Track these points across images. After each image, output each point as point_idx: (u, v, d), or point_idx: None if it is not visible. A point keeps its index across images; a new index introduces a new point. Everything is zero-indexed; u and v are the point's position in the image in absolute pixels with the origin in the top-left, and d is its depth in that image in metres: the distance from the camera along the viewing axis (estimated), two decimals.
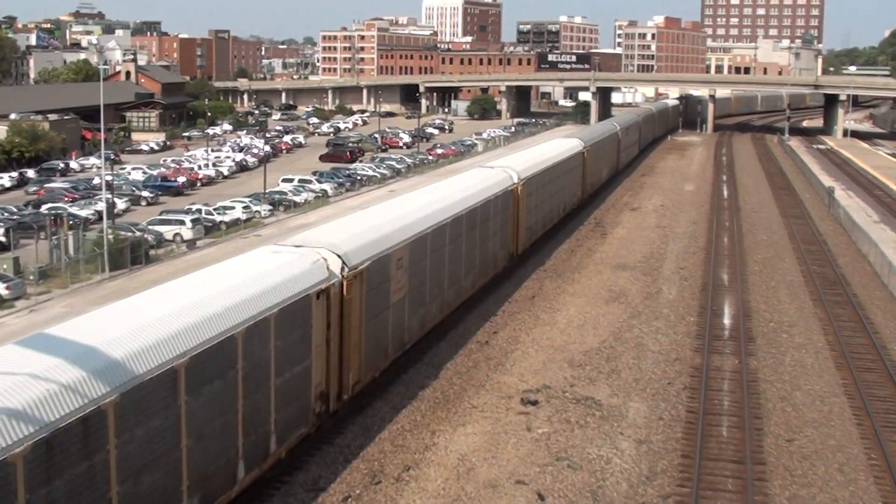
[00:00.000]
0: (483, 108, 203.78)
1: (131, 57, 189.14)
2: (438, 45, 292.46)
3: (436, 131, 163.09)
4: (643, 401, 33.35)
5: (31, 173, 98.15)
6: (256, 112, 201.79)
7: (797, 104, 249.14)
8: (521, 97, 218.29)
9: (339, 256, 29.02)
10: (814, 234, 68.44)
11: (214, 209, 71.25)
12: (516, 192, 50.86)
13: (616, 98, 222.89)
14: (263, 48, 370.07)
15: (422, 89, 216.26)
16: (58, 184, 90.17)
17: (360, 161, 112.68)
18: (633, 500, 25.98)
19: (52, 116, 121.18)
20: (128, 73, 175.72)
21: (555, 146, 68.85)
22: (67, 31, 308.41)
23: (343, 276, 28.73)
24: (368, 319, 30.81)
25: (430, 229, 37.13)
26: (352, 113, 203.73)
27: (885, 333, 42.27)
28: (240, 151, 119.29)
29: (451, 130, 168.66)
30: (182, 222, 64.95)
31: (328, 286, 27.77)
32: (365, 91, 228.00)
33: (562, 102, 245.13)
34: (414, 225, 36.07)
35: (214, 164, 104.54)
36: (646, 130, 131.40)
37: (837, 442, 30.01)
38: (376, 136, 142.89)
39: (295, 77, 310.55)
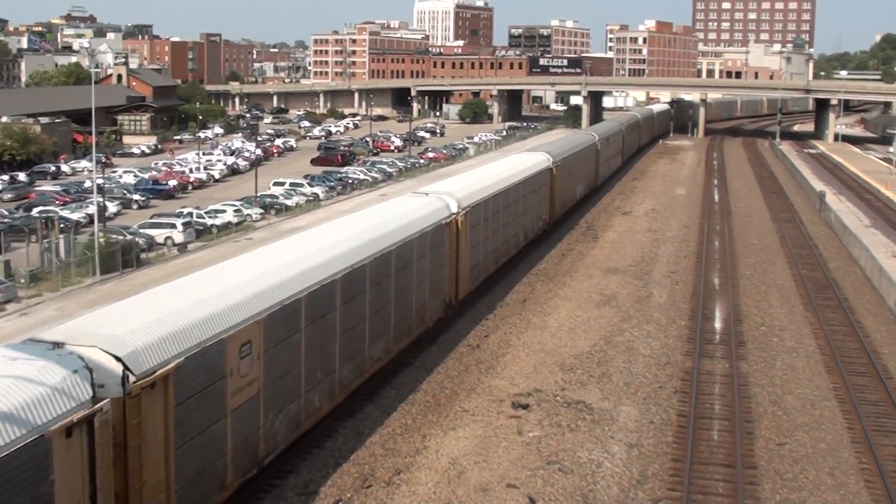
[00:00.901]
0: (475, 112, 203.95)
1: (123, 60, 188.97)
2: (430, 49, 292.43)
3: (427, 135, 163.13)
4: (634, 404, 33.37)
5: (22, 176, 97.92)
6: (248, 115, 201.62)
7: (777, 108, 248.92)
8: (512, 101, 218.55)
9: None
10: (805, 238, 68.56)
11: (206, 213, 71.16)
12: (454, 224, 41.37)
13: (607, 102, 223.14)
14: (255, 52, 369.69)
15: (413, 93, 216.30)
16: (48, 187, 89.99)
17: (353, 165, 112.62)
18: (623, 503, 25.98)
19: (44, 119, 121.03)
20: (119, 77, 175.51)
21: (516, 162, 59.57)
22: (59, 34, 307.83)
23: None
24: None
25: (304, 293, 27.22)
26: (343, 116, 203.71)
27: (876, 337, 42.36)
28: (231, 155, 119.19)
29: (442, 134, 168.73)
30: (173, 226, 64.86)
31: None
32: (356, 95, 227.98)
33: (553, 106, 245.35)
34: (280, 288, 26.11)
35: (206, 168, 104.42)
36: (630, 139, 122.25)
37: (828, 445, 30.06)
38: (368, 139, 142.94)
39: (286, 81, 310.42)
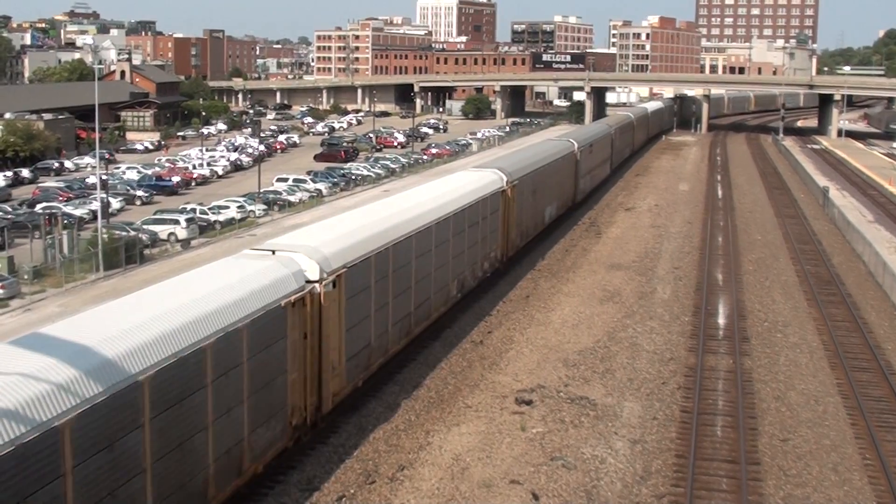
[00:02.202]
0: (478, 108, 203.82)
1: (126, 56, 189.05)
2: (433, 45, 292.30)
3: (430, 131, 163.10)
4: (637, 400, 33.36)
5: (25, 172, 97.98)
6: (251, 112, 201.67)
7: (766, 105, 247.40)
8: (515, 97, 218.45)
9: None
10: (808, 233, 68.50)
11: (209, 209, 71.13)
12: (306, 302, 27.44)
13: (611, 98, 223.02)
14: (258, 48, 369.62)
15: (416, 89, 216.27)
16: (52, 183, 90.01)
17: (356, 161, 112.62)
18: (627, 499, 25.98)
19: (47, 116, 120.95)
20: (122, 73, 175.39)
21: (453, 185, 45.84)
22: (62, 30, 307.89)
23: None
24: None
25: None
26: (346, 113, 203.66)
27: (880, 333, 42.32)
28: (234, 151, 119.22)
29: (445, 130, 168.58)
30: (177, 222, 64.85)
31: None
32: (360, 91, 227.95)
33: (556, 102, 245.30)
34: None
35: (209, 164, 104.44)
36: (622, 142, 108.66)
37: (832, 442, 30.04)
38: (371, 135, 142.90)
39: (290, 77, 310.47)
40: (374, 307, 32.26)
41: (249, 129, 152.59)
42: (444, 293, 40.57)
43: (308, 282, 27.66)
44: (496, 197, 48.38)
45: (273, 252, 28.51)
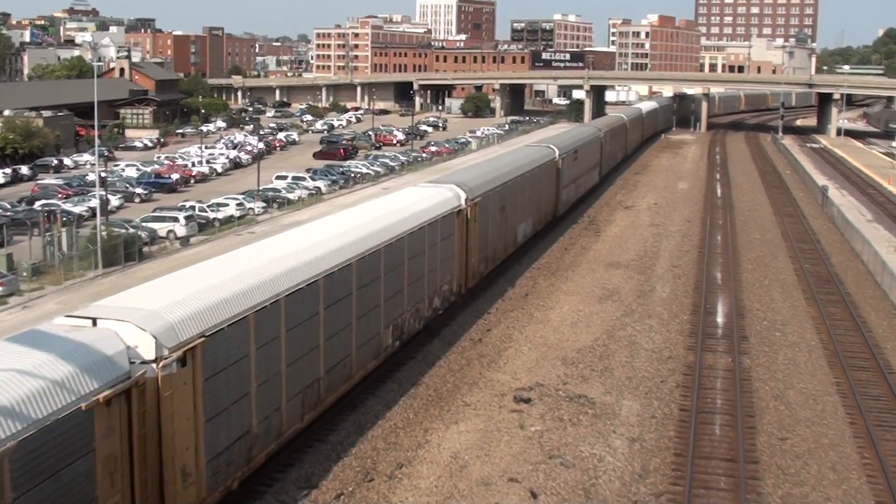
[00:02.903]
0: (477, 107, 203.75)
1: (125, 54, 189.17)
2: (432, 43, 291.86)
3: (430, 129, 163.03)
4: (636, 399, 33.37)
5: (24, 170, 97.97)
6: (250, 109, 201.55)
7: (756, 105, 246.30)
8: (515, 95, 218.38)
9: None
10: (807, 232, 68.50)
11: (208, 206, 71.12)
12: (132, 395, 20.08)
13: (610, 96, 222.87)
14: (257, 45, 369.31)
15: (416, 87, 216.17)
16: (51, 180, 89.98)
17: (355, 158, 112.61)
18: (625, 498, 25.99)
19: (46, 113, 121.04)
20: (122, 70, 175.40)
21: (398, 205, 38.36)
22: (61, 27, 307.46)
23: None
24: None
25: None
26: (346, 110, 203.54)
27: (878, 332, 42.33)
28: (233, 148, 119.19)
29: (444, 128, 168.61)
30: (176, 219, 64.84)
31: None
32: (359, 88, 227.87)
33: (556, 101, 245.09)
34: None
35: (208, 161, 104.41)
36: (613, 146, 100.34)
37: (830, 440, 30.05)
38: (370, 133, 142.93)
39: (289, 74, 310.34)
40: (257, 382, 24.62)
41: (251, 126, 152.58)
42: (372, 345, 32.54)
43: (142, 362, 20.32)
44: (450, 219, 40.53)
45: (94, 322, 20.76)
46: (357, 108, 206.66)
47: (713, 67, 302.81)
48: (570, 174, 70.45)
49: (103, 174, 69.31)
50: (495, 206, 48.25)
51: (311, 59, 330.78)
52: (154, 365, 20.34)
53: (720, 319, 44.16)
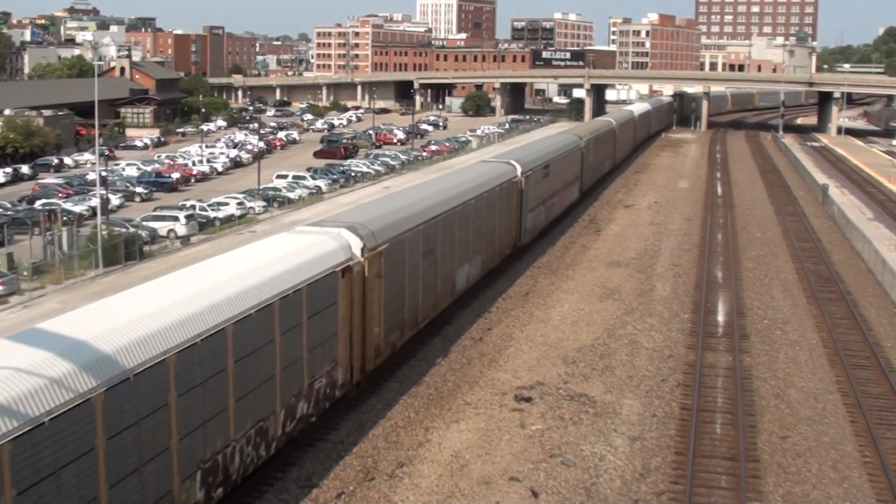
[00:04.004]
0: (477, 105, 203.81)
1: (126, 53, 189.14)
2: (433, 42, 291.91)
3: (430, 128, 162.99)
4: (637, 398, 33.36)
5: (25, 169, 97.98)
6: (251, 108, 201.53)
7: (743, 105, 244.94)
8: (515, 94, 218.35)
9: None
10: (808, 231, 68.49)
11: (208, 205, 71.11)
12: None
13: (610, 95, 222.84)
14: (258, 44, 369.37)
15: (416, 86, 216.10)
16: (52, 179, 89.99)
17: (355, 157, 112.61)
18: (626, 496, 25.98)
19: (47, 112, 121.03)
20: (122, 69, 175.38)
21: (239, 269, 26.39)
22: (62, 26, 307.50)
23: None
24: None
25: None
26: (346, 109, 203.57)
27: (879, 330, 42.32)
28: (234, 147, 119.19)
29: (445, 127, 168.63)
30: (176, 218, 64.82)
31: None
32: (359, 87, 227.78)
33: (556, 99, 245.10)
34: None
35: (209, 160, 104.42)
36: (598, 155, 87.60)
37: (831, 439, 30.04)
38: (371, 132, 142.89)
39: (289, 73, 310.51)
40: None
41: (254, 125, 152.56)
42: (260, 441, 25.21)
43: None
44: (328, 282, 28.96)
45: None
46: (357, 107, 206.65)
47: (713, 66, 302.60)
48: (538, 194, 59.02)
49: (104, 173, 69.31)
50: (416, 250, 36.95)
51: (312, 58, 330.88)
52: None
53: (721, 318, 44.14)
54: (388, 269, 33.41)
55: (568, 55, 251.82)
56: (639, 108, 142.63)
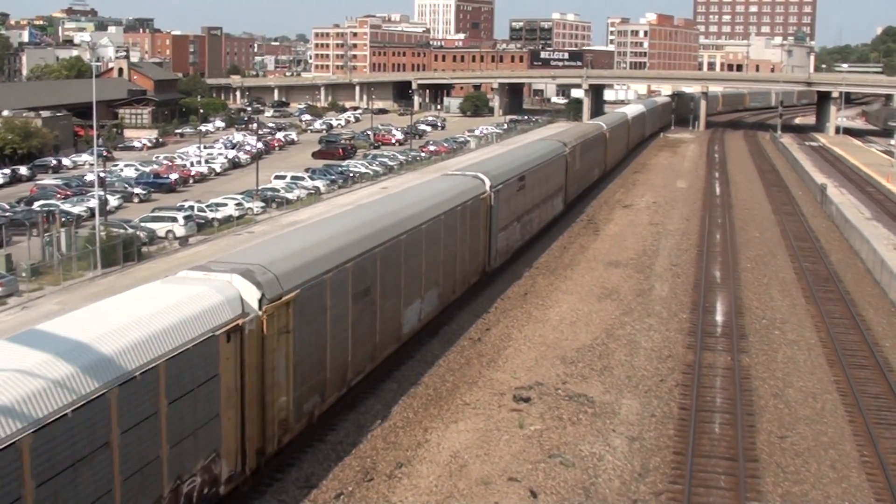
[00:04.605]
0: (476, 106, 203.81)
1: (124, 54, 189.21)
2: (431, 43, 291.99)
3: (428, 128, 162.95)
4: (635, 398, 33.36)
5: (23, 170, 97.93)
6: (249, 109, 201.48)
7: (734, 105, 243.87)
8: (513, 94, 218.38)
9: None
10: (806, 231, 68.52)
11: (207, 206, 71.11)
12: None
13: (608, 95, 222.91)
14: (256, 45, 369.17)
15: (414, 86, 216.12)
16: (50, 181, 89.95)
17: (354, 158, 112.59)
18: (625, 496, 25.99)
19: (45, 113, 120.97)
20: (120, 70, 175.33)
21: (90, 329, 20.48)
22: (60, 27, 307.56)
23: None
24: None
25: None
26: (344, 110, 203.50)
27: (878, 330, 42.34)
28: (232, 148, 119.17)
29: (443, 127, 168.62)
30: (174, 219, 64.80)
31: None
32: (357, 88, 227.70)
33: (554, 99, 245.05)
34: None
35: (207, 161, 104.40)
36: (586, 163, 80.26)
37: (830, 439, 30.05)
38: (369, 132, 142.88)
39: (287, 74, 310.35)
40: None
41: (253, 125, 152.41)
42: None
43: None
44: (189, 360, 22.04)
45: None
46: (356, 108, 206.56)
47: (712, 66, 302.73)
48: (512, 210, 52.55)
49: (102, 174, 69.28)
50: (343, 292, 30.26)
51: (310, 58, 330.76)
52: None
53: (719, 318, 44.15)
54: (300, 322, 26.87)
55: (566, 55, 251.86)
56: (632, 109, 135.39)
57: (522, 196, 55.05)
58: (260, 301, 24.75)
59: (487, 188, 47.47)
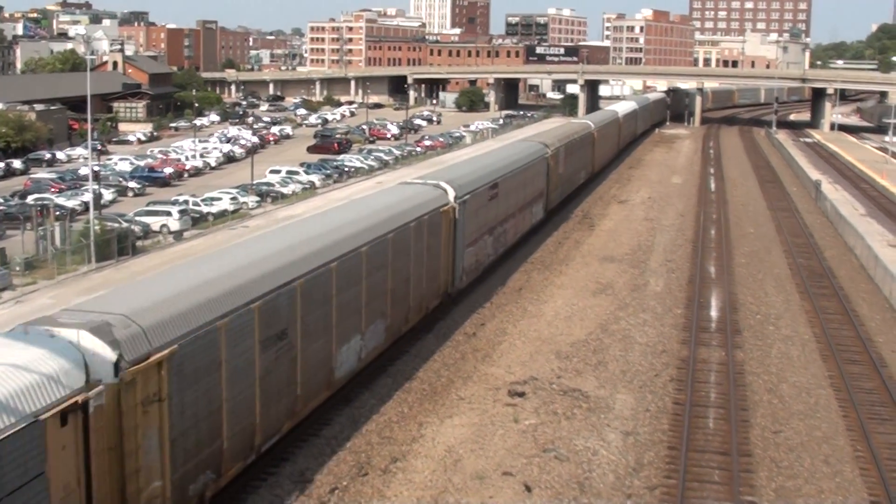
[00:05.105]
0: (471, 101, 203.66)
1: (118, 47, 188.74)
2: (427, 37, 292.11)
3: (424, 123, 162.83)
4: (630, 392, 33.40)
5: (17, 163, 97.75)
6: (244, 103, 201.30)
7: (723, 102, 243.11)
8: (509, 90, 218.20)
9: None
10: (801, 227, 68.60)
11: (202, 200, 71.03)
12: None
13: (604, 91, 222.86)
14: (251, 39, 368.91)
15: (410, 81, 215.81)
16: (44, 174, 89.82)
17: (349, 152, 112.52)
18: (619, 491, 26.02)
19: (39, 106, 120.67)
20: (115, 64, 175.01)
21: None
22: (54, 20, 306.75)
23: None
24: None
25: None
26: (340, 104, 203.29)
27: (871, 326, 42.42)
28: (227, 142, 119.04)
29: (439, 122, 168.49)
30: (169, 213, 64.71)
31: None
32: (353, 82, 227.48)
33: (550, 95, 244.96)
34: None
35: (202, 155, 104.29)
36: (570, 167, 73.69)
37: (823, 433, 30.11)
38: (364, 127, 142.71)
39: (283, 68, 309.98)
40: None
41: (250, 119, 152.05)
42: None
43: None
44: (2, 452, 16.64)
45: None
46: (351, 102, 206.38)
47: (707, 62, 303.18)
48: (482, 222, 47.19)
49: (96, 168, 69.18)
50: (247, 338, 24.45)
51: (305, 52, 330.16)
52: None
53: (714, 313, 44.20)
54: (179, 385, 21.32)
55: (562, 51, 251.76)
56: (623, 107, 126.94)
57: (495, 205, 49.61)
58: (116, 365, 19.22)
59: (451, 199, 42.01)
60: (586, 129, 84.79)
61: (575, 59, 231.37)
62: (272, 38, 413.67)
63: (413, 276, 37.06)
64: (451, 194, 42.17)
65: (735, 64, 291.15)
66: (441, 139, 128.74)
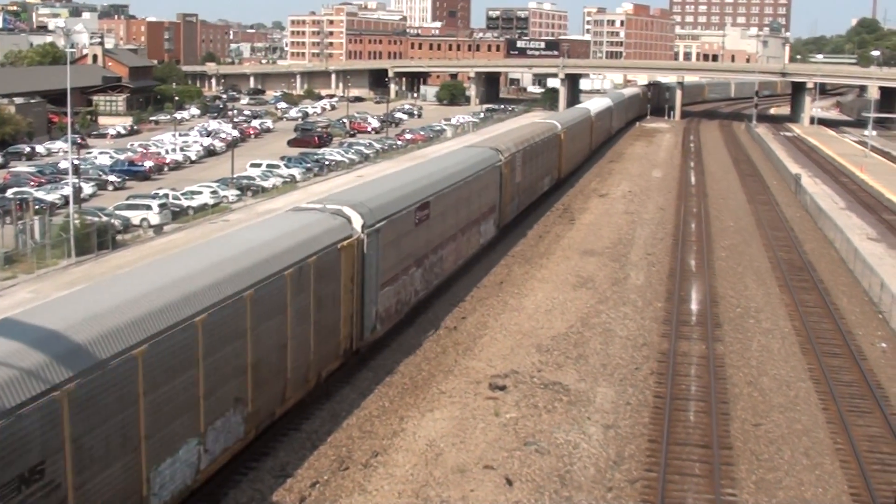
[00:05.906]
0: (452, 94, 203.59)
1: (98, 40, 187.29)
2: (408, 31, 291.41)
3: (405, 116, 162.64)
4: (611, 386, 33.46)
5: None
6: (224, 96, 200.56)
7: (693, 97, 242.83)
8: (490, 83, 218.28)
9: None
10: (780, 220, 68.85)
11: (182, 194, 70.73)
12: None
13: (585, 84, 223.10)
14: (232, 32, 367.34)
15: (391, 74, 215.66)
16: (23, 168, 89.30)
17: (329, 146, 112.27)
18: (600, 484, 26.06)
19: (19, 100, 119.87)
20: (95, 57, 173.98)
21: None
22: (34, 13, 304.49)
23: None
24: None
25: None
26: (320, 98, 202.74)
27: (851, 319, 42.64)
28: (207, 136, 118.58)
29: (420, 116, 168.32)
30: (149, 207, 64.41)
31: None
32: (333, 76, 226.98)
33: (530, 89, 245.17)
34: None
35: (182, 149, 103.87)
36: (531, 174, 65.25)
37: (803, 426, 30.24)
38: (345, 121, 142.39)
39: (263, 61, 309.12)
40: None
41: (231, 112, 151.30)
42: None
43: None
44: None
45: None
46: (332, 96, 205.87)
47: (687, 56, 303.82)
48: (405, 253, 38.34)
49: (76, 162, 68.80)
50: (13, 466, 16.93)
51: (286, 46, 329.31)
52: None
53: (694, 307, 44.33)
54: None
55: (543, 45, 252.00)
56: (596, 104, 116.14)
57: (425, 230, 40.84)
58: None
59: (357, 229, 33.26)
60: (551, 129, 75.90)
61: (556, 52, 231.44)
62: (253, 31, 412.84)
63: (293, 338, 28.11)
64: (357, 223, 33.36)
65: (715, 58, 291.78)
66: (422, 132, 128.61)
